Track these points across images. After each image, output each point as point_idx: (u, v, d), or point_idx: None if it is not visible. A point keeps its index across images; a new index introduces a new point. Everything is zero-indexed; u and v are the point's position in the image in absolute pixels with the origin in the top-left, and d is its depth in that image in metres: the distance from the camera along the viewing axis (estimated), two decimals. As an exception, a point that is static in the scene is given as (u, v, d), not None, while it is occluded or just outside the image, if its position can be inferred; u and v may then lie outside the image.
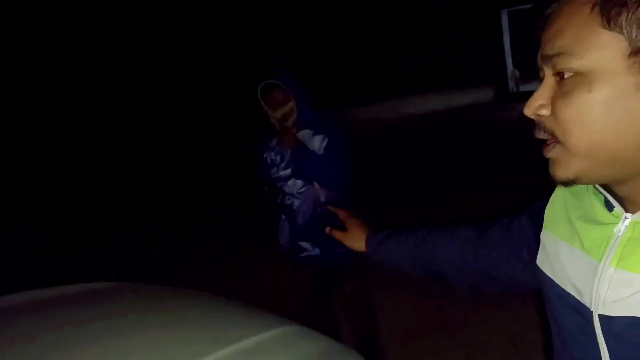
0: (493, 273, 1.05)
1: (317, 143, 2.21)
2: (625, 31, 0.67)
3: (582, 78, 0.67)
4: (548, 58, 0.70)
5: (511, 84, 15.50)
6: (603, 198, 0.78)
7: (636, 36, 0.67)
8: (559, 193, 0.91)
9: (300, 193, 2.25)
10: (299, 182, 2.25)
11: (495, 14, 15.38)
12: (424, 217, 5.25)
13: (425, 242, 1.22)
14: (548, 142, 0.70)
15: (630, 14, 0.67)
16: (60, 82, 15.40)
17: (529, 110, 0.71)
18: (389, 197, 6.41)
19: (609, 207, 0.76)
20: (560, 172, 0.70)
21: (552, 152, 0.70)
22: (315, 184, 2.21)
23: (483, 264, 1.07)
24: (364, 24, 19.31)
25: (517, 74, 15.36)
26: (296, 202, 2.26)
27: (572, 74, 0.68)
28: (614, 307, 0.70)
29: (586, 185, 0.82)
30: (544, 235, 0.89)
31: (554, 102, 0.69)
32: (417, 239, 1.23)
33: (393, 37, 20.09)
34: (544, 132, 0.70)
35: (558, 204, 0.90)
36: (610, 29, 0.67)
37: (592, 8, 0.68)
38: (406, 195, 6.46)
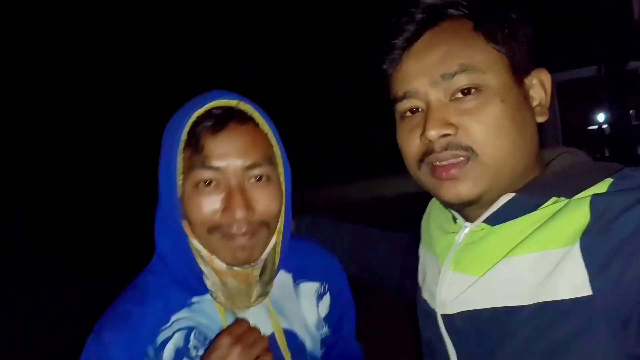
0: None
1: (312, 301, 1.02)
2: (504, 48, 0.73)
3: (487, 93, 0.71)
4: (448, 76, 0.71)
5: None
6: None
7: (514, 52, 0.74)
8: (428, 208, 0.98)
9: None
10: None
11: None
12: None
13: (360, 235, 1.24)
14: (455, 162, 0.71)
15: (506, 31, 0.73)
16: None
17: (436, 132, 0.71)
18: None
19: (455, 219, 0.84)
20: (468, 189, 0.72)
21: (463, 170, 0.71)
22: None
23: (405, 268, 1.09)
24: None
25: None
26: None
27: (474, 90, 0.71)
28: (452, 305, 0.77)
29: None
30: (420, 249, 0.96)
31: (459, 120, 0.71)
32: (351, 231, 1.25)
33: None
34: (453, 150, 0.71)
35: (426, 217, 0.97)
36: (493, 46, 0.72)
37: (473, 27, 0.73)
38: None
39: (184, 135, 0.82)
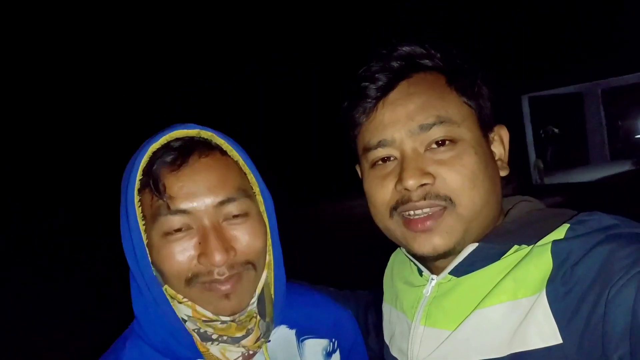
0: None
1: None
2: (474, 103, 0.75)
3: (462, 145, 0.73)
4: (425, 127, 0.72)
5: (534, 176, 14.08)
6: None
7: (481, 107, 0.76)
8: (390, 262, 0.97)
9: None
10: None
11: (516, 100, 13.70)
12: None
13: None
14: (433, 212, 0.72)
15: (475, 88, 0.75)
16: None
17: (414, 181, 0.71)
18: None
19: (419, 271, 0.83)
20: (443, 241, 0.73)
21: (438, 220, 0.72)
22: None
23: None
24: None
25: (541, 164, 14.19)
26: None
27: (449, 142, 0.72)
28: None
29: (400, 254, 0.91)
30: (383, 306, 0.94)
31: (435, 170, 0.72)
32: None
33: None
34: (431, 200, 0.71)
35: (389, 272, 0.96)
36: (465, 100, 0.75)
37: (446, 81, 0.75)
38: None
39: (139, 175, 0.69)
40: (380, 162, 0.77)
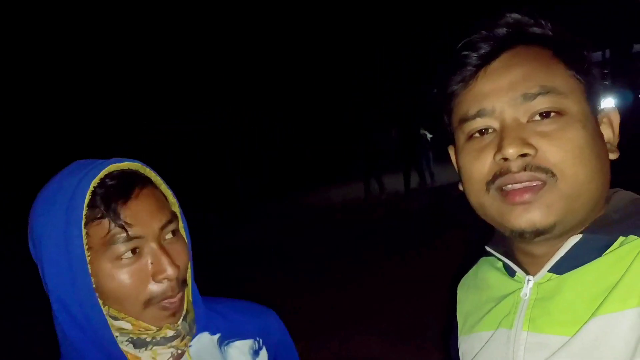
0: None
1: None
2: (582, 76, 0.70)
3: (568, 117, 0.68)
4: (529, 97, 0.68)
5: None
6: (502, 266, 0.79)
7: (591, 80, 0.71)
8: (460, 295, 0.92)
9: None
10: None
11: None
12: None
13: None
14: (532, 185, 0.67)
15: (586, 60, 0.70)
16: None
17: (515, 150, 0.66)
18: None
19: (510, 273, 0.77)
20: (543, 216, 0.66)
21: (538, 194, 0.66)
22: None
23: None
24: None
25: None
26: None
27: (554, 114, 0.67)
28: None
29: (479, 271, 0.87)
30: (460, 341, 0.88)
31: (537, 142, 0.67)
32: None
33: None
34: (532, 172, 0.66)
35: (465, 302, 0.90)
36: (573, 73, 0.69)
37: (553, 54, 0.70)
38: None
39: (84, 213, 0.73)
40: (477, 135, 0.72)
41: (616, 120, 0.74)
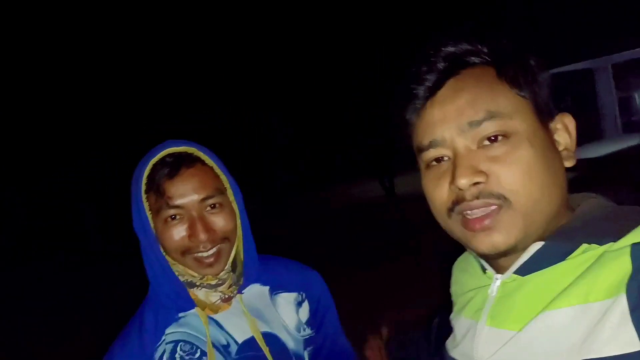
0: None
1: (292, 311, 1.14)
2: (528, 93, 0.71)
3: (515, 138, 0.70)
4: (475, 124, 0.70)
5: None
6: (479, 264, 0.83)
7: (536, 96, 0.72)
8: (455, 275, 0.96)
9: None
10: None
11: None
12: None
13: None
14: (489, 210, 0.69)
15: (528, 76, 0.72)
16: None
17: (466, 180, 0.69)
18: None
19: (484, 269, 0.81)
20: (503, 239, 0.70)
21: (495, 218, 0.69)
22: None
23: None
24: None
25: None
26: None
27: (501, 137, 0.69)
28: None
29: (469, 256, 0.89)
30: (452, 318, 0.92)
31: (489, 168, 0.69)
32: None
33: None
34: (485, 199, 0.69)
35: (457, 283, 0.94)
36: (517, 92, 0.71)
37: (496, 74, 0.72)
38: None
39: (144, 184, 1.02)
40: (434, 163, 0.75)
41: (571, 124, 0.76)
